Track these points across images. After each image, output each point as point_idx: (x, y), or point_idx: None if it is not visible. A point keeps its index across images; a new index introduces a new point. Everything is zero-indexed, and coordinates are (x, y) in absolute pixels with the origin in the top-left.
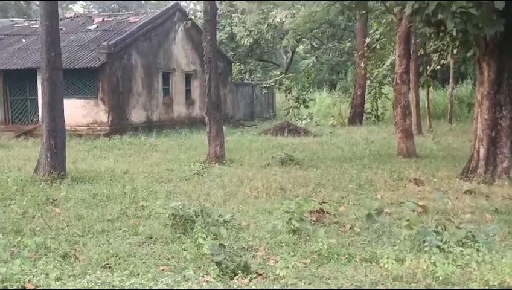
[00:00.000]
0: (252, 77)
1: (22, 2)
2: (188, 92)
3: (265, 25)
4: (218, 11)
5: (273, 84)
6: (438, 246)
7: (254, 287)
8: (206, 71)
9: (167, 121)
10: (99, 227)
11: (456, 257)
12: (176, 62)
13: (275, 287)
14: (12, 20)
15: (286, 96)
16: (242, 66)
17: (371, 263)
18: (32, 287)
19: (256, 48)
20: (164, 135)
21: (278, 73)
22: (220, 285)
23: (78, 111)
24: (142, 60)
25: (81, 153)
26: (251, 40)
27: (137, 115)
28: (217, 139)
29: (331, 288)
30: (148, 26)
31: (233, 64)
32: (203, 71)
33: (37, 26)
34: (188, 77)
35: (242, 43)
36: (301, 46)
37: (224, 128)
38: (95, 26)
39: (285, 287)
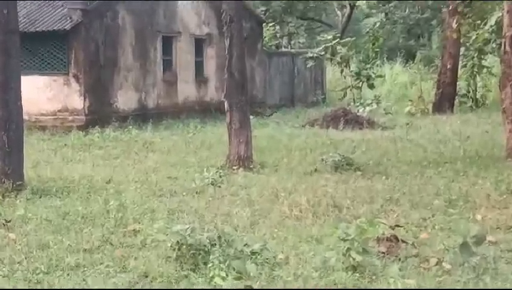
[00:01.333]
0: (292, 43)
1: None
2: (199, 66)
3: None
4: None
5: (322, 53)
6: None
7: None
8: (226, 35)
9: (169, 107)
10: (71, 260)
11: None
12: (182, 22)
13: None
14: None
15: (342, 71)
16: (278, 27)
17: None
18: None
19: (298, 2)
20: (164, 127)
21: (330, 37)
22: None
23: (41, 93)
24: (133, 20)
25: (46, 153)
26: None
27: (125, 99)
28: (242, 134)
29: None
30: None
31: (264, 24)
32: (221, 35)
33: None
34: (199, 44)
35: None
36: None
37: (251, 117)
38: None
39: None
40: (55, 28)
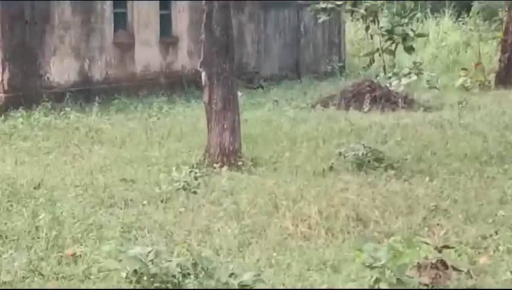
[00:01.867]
0: None
1: None
2: (166, 21)
3: None
4: None
5: (340, 3)
6: None
7: None
8: None
9: (122, 80)
10: None
11: None
12: None
13: None
14: None
15: (367, 28)
16: None
17: None
18: None
19: None
20: (117, 109)
21: None
22: None
23: None
24: None
25: None
26: None
27: (61, 69)
28: (226, 118)
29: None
30: None
31: None
32: None
33: None
34: None
35: None
36: None
37: (240, 95)
38: None
39: None
40: None
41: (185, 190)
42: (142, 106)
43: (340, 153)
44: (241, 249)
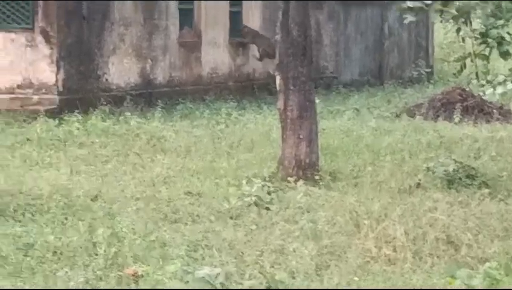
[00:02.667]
0: None
1: None
2: (236, 19)
3: None
4: None
5: (428, 2)
6: None
7: None
8: None
9: (188, 83)
10: None
11: None
12: None
13: None
14: None
15: (459, 30)
16: None
17: None
18: None
19: None
20: (181, 114)
21: None
22: None
23: None
24: None
25: None
26: None
27: (121, 70)
28: (302, 128)
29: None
30: None
31: None
32: None
33: None
34: None
35: None
36: None
37: (317, 101)
38: None
39: None
40: None
41: (256, 205)
42: (209, 111)
43: (428, 169)
44: (318, 272)
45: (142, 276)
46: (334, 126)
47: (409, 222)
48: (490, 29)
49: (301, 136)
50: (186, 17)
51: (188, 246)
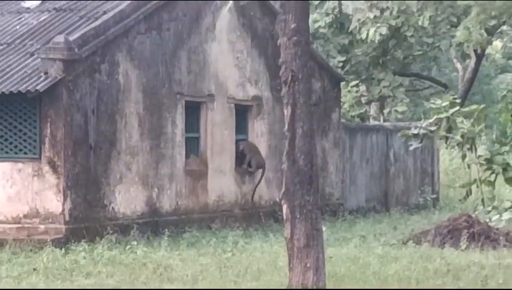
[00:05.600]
0: (385, 112)
1: None
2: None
3: None
4: None
5: (433, 129)
6: None
7: None
8: (286, 101)
9: (194, 211)
10: None
11: None
12: (216, 80)
13: None
14: None
15: (464, 156)
16: (362, 86)
17: None
18: None
19: (395, 48)
20: (188, 243)
21: (446, 104)
22: None
23: None
24: (141, 75)
25: (4, 283)
26: (384, 31)
27: (128, 199)
28: (309, 256)
29: None
30: (153, 4)
31: (343, 84)
32: (276, 100)
33: None
34: (242, 114)
35: (363, 36)
36: (497, 42)
37: (323, 229)
38: (37, 1)
39: None
40: (20, 88)
41: None
42: (216, 240)
43: None
44: None
45: None
46: (341, 254)
47: None
48: (495, 155)
49: (308, 265)
50: (192, 145)
51: None
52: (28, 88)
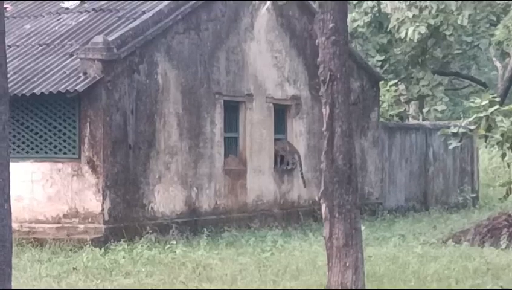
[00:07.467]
0: (424, 111)
1: None
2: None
3: None
4: None
5: (473, 128)
6: None
7: None
8: (325, 101)
9: (233, 211)
10: None
11: None
12: (255, 80)
13: None
14: None
15: (504, 155)
16: (401, 85)
17: None
18: None
19: (434, 47)
20: (226, 242)
21: (486, 103)
22: None
23: (37, 188)
24: (180, 75)
25: (44, 282)
26: (423, 30)
27: (167, 199)
28: (348, 255)
29: None
30: (191, 4)
31: (382, 83)
32: (314, 100)
33: None
34: (281, 113)
35: (402, 35)
36: None
37: (362, 228)
38: (76, 1)
39: None
40: (60, 88)
41: None
42: (255, 239)
43: None
44: None
45: None
46: (380, 253)
47: None
48: None
49: (347, 264)
50: (231, 145)
51: None
52: (67, 88)
